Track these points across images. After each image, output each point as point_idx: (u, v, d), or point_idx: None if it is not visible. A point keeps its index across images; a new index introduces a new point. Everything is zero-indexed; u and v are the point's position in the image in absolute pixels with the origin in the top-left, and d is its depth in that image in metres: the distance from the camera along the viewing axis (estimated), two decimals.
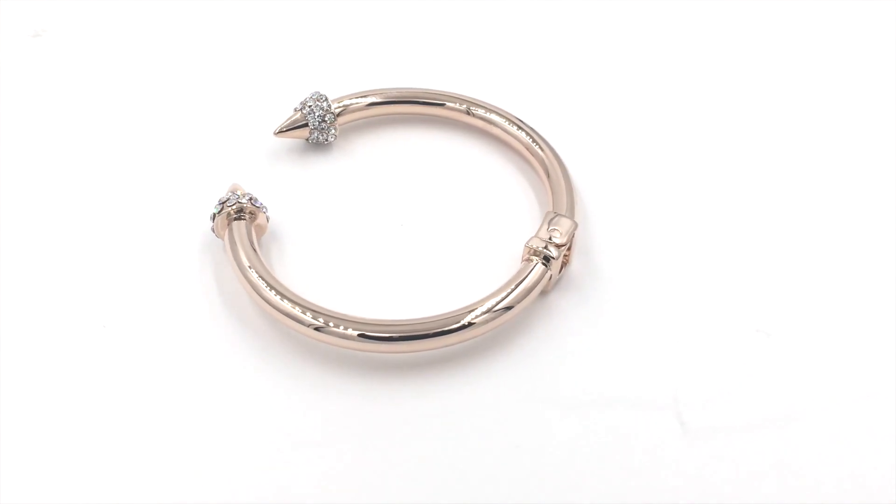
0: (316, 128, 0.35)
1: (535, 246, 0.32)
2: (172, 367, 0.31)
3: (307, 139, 0.36)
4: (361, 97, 0.36)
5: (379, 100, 0.36)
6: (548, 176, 0.35)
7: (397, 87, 0.37)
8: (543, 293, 0.32)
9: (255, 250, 0.32)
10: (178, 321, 0.32)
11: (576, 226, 0.32)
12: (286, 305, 0.30)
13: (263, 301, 0.31)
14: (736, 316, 0.32)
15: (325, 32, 0.41)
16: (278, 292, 0.31)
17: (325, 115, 0.35)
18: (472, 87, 0.37)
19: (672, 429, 0.30)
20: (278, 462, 0.29)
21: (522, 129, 0.36)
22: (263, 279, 0.31)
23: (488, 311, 0.30)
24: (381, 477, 0.29)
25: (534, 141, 0.35)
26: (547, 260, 0.32)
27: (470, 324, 0.30)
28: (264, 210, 0.33)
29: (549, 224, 0.32)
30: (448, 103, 0.36)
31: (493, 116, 0.36)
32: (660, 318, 0.32)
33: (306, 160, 0.36)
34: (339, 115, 0.36)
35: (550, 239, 0.32)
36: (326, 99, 0.35)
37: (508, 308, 0.31)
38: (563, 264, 0.33)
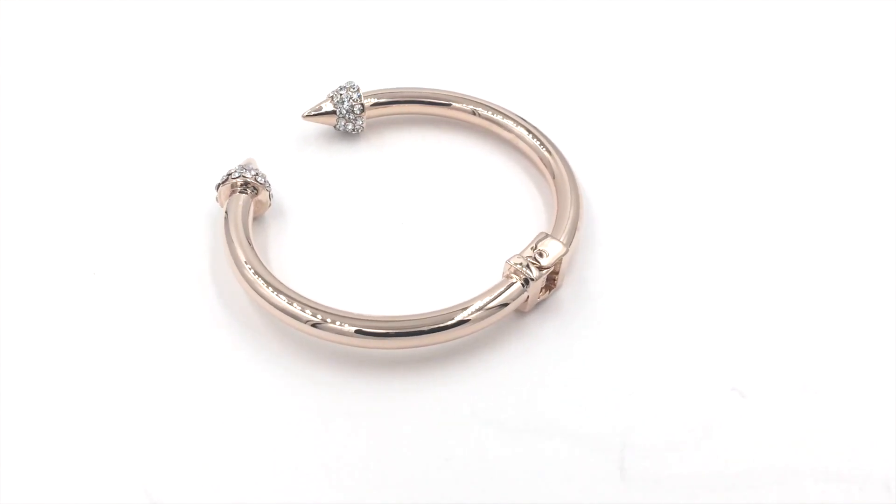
0: (343, 116, 0.36)
1: (514, 264, 0.31)
2: (166, 361, 0.31)
3: (335, 126, 0.36)
4: (366, 97, 0.36)
5: (385, 100, 0.36)
6: (553, 178, 0.34)
7: (402, 87, 0.37)
8: (519, 312, 0.32)
9: (250, 245, 0.32)
10: (174, 313, 0.32)
11: (565, 251, 0.32)
12: (283, 302, 0.30)
13: (261, 298, 0.31)
14: (715, 371, 0.31)
15: (334, 31, 0.41)
16: (275, 289, 0.30)
17: (353, 106, 0.36)
18: (478, 88, 0.37)
19: (610, 472, 0.29)
20: (273, 457, 0.29)
21: (529, 132, 0.35)
22: (261, 276, 0.31)
23: (443, 324, 0.30)
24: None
25: (541, 144, 0.35)
26: (527, 281, 0.31)
27: (461, 322, 0.30)
28: (268, 187, 0.34)
29: (536, 244, 0.31)
30: (454, 104, 0.36)
31: (499, 118, 0.36)
32: (634, 358, 0.31)
33: (331, 148, 0.37)
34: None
35: (535, 259, 0.31)
36: (358, 90, 0.36)
37: (467, 323, 0.30)
38: (550, 288, 0.32)
